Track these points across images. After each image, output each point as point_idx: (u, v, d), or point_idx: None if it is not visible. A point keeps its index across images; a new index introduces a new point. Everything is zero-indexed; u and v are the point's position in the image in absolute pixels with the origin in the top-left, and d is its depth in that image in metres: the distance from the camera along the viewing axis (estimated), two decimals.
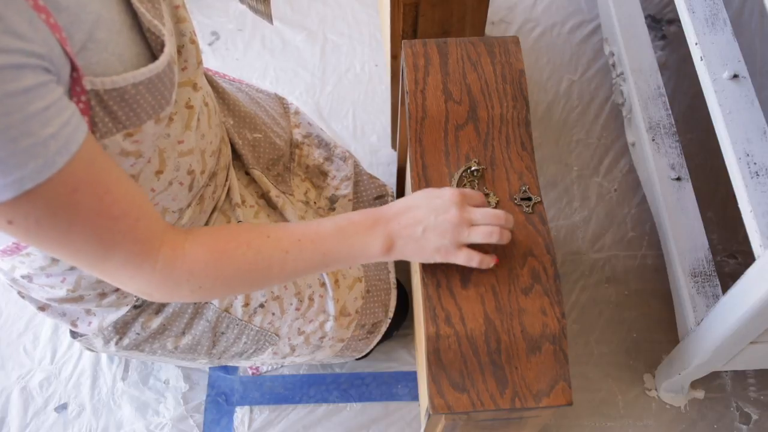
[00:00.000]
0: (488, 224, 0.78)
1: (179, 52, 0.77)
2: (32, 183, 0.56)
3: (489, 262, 0.80)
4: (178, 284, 0.71)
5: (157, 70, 0.67)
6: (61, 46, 0.57)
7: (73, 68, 0.59)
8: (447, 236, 0.77)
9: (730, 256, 1.40)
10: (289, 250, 0.75)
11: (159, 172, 0.77)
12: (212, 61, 1.66)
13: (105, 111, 0.64)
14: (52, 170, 0.56)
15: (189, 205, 0.87)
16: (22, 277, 0.84)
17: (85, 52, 0.60)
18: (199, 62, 0.81)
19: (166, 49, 0.68)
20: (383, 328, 1.14)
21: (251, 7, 1.02)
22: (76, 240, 0.62)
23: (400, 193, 1.32)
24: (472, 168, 0.89)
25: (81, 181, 0.60)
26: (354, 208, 1.16)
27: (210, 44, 1.69)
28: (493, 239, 0.78)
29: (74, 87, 0.60)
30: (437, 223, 0.77)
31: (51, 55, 0.56)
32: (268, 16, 1.02)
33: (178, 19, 0.75)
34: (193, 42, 0.78)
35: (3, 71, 0.52)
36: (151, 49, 0.69)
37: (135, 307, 0.93)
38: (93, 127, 0.64)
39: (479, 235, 0.77)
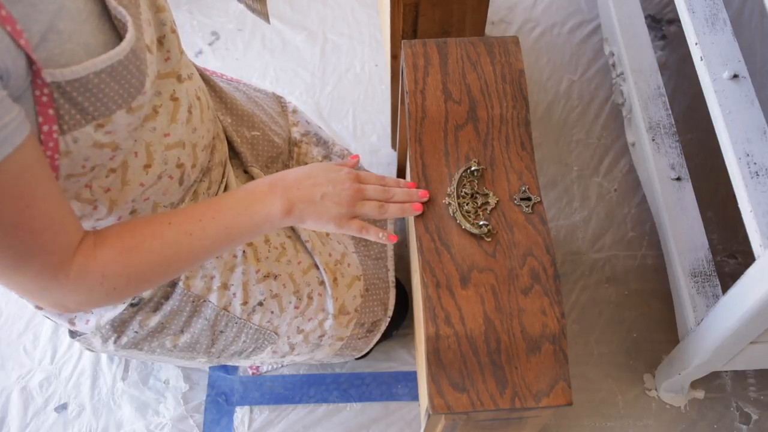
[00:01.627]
0: (378, 199, 0.84)
1: (161, 42, 0.76)
2: None
3: (383, 236, 0.84)
4: (91, 290, 0.70)
5: (118, 57, 0.65)
6: (12, 40, 0.55)
7: (31, 62, 0.58)
8: (343, 205, 0.81)
9: (730, 256, 1.40)
10: (192, 232, 0.76)
11: (147, 166, 0.76)
12: (212, 61, 1.66)
13: (70, 103, 0.63)
14: None
15: (182, 200, 0.87)
16: None
17: (46, 44, 0.59)
18: (181, 52, 0.80)
19: (128, 35, 0.66)
20: (382, 327, 1.14)
21: (248, 6, 1.02)
22: None
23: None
24: (472, 168, 0.89)
25: (3, 192, 0.58)
26: None
27: (210, 44, 1.69)
28: (381, 213, 0.83)
29: (35, 79, 0.59)
30: (335, 192, 0.81)
31: None
32: (264, 15, 1.02)
33: (158, 9, 0.74)
34: (174, 32, 0.77)
35: None
36: (121, 37, 0.67)
37: (132, 305, 0.92)
38: (59, 119, 0.63)
39: (370, 209, 0.83)
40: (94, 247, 0.70)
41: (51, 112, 0.62)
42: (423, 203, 0.86)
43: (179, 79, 0.79)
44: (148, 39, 0.71)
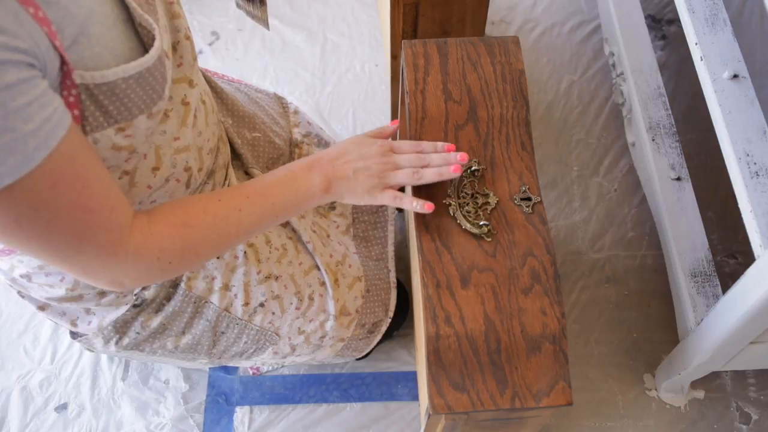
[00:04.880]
0: (413, 167, 0.85)
1: (174, 48, 0.77)
2: (11, 179, 0.56)
3: (419, 205, 0.84)
4: (149, 265, 0.72)
5: (147, 64, 0.67)
6: (49, 40, 0.57)
7: (63, 62, 0.59)
8: (374, 177, 0.84)
9: (730, 256, 1.40)
10: (242, 208, 0.79)
11: (155, 169, 0.77)
12: (212, 61, 1.66)
13: (96, 105, 0.64)
14: (30, 166, 0.57)
15: None
16: (21, 276, 0.84)
17: (77, 47, 0.60)
18: (194, 58, 0.81)
19: (156, 43, 0.68)
20: (383, 328, 1.14)
21: (248, 12, 1.02)
22: (53, 234, 0.63)
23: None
24: (472, 168, 0.89)
25: (61, 175, 0.60)
26: (354, 207, 1.16)
27: (210, 44, 1.69)
28: (416, 180, 0.85)
29: (64, 81, 0.60)
30: (366, 166, 0.84)
31: (36, 50, 0.56)
32: (264, 22, 1.02)
33: (173, 15, 0.75)
34: (188, 38, 0.78)
35: None
36: (144, 44, 0.69)
37: (134, 306, 0.92)
38: (83, 120, 0.64)
39: (404, 177, 0.85)
40: (149, 224, 0.72)
41: (76, 112, 0.63)
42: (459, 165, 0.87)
43: (191, 84, 0.80)
44: (165, 45, 0.72)
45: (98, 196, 0.65)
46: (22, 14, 0.54)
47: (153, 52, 0.68)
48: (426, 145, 0.87)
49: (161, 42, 0.69)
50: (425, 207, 0.84)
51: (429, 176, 0.85)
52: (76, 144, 0.62)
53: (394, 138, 0.94)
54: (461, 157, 0.86)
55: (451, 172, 0.85)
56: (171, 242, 0.73)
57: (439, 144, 0.88)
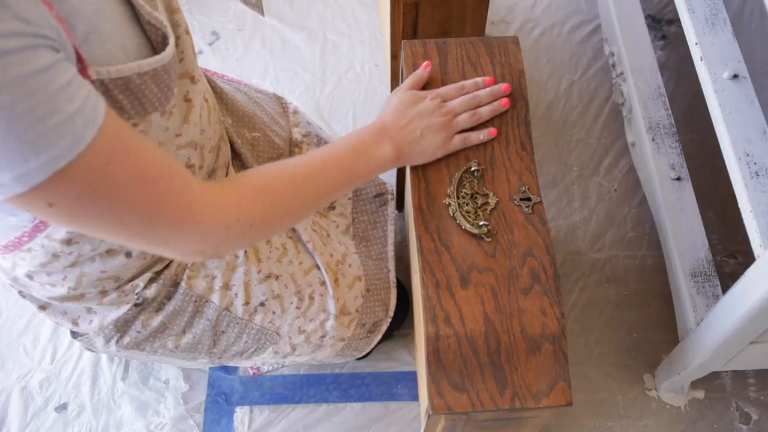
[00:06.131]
0: (468, 109, 0.90)
1: (176, 43, 0.77)
2: (65, 161, 0.55)
3: (485, 134, 0.90)
4: (228, 228, 0.71)
5: (163, 62, 0.67)
6: (66, 37, 0.57)
7: (78, 59, 0.59)
8: (441, 131, 0.88)
9: (730, 256, 1.40)
10: (318, 174, 0.82)
11: None
12: (212, 61, 1.66)
13: (111, 101, 0.64)
14: (82, 145, 0.56)
15: None
16: (23, 275, 0.84)
17: (88, 44, 0.61)
18: (194, 53, 0.81)
19: (171, 41, 0.68)
20: (384, 328, 1.14)
21: (243, 0, 1.02)
22: (119, 210, 0.62)
23: (400, 192, 1.32)
24: (472, 168, 0.89)
25: (112, 151, 0.59)
26: (353, 206, 1.16)
27: (210, 44, 1.69)
28: (476, 120, 0.90)
29: None
30: (430, 122, 0.88)
31: (60, 39, 0.56)
32: (259, 8, 1.02)
33: (172, 10, 0.75)
34: (188, 33, 0.78)
35: (20, 52, 0.51)
36: (151, 41, 0.69)
37: (136, 305, 0.93)
38: None
39: (465, 121, 0.90)
40: (222, 188, 0.72)
41: None
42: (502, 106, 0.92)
43: (193, 80, 0.80)
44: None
45: (153, 164, 0.64)
46: (42, 8, 0.54)
47: (169, 50, 0.68)
48: (468, 84, 0.92)
49: (174, 40, 0.69)
50: (490, 134, 0.91)
51: (486, 114, 0.91)
52: (116, 119, 0.61)
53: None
54: (505, 87, 0.92)
55: (503, 105, 0.91)
56: (250, 204, 0.73)
57: (479, 80, 0.93)
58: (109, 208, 0.61)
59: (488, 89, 0.92)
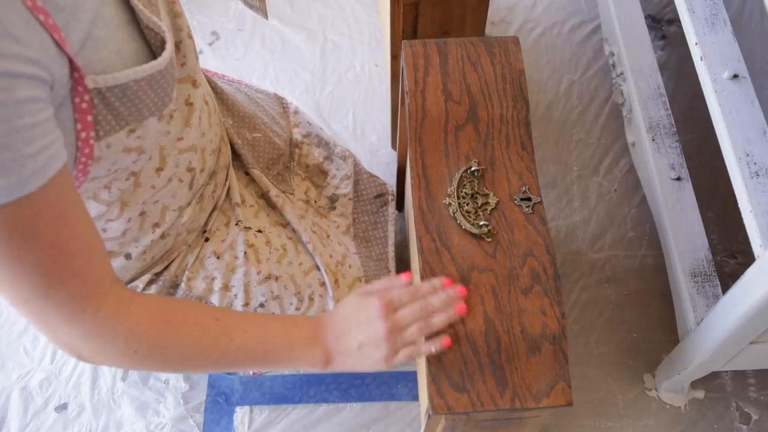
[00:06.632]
0: (418, 321, 0.78)
1: (177, 47, 0.77)
2: (0, 200, 0.53)
3: (438, 345, 0.79)
4: (112, 342, 0.67)
5: (159, 67, 0.67)
6: (59, 47, 0.56)
7: (74, 68, 0.59)
8: (382, 347, 0.78)
9: (730, 256, 1.40)
10: (234, 339, 0.74)
11: (159, 169, 0.77)
12: (212, 61, 1.66)
13: (108, 108, 0.63)
14: (23, 191, 0.54)
15: (189, 204, 0.87)
16: None
17: (84, 51, 0.60)
18: (196, 57, 0.81)
19: (168, 46, 0.68)
20: None
21: (246, 2, 1.02)
22: (22, 266, 0.59)
23: (400, 192, 1.32)
24: (472, 168, 0.89)
25: (46, 208, 0.57)
26: (354, 207, 1.16)
27: (210, 44, 1.69)
28: (428, 331, 0.78)
29: (76, 87, 0.60)
30: (369, 337, 0.78)
31: (46, 59, 0.55)
32: (263, 12, 1.02)
33: (175, 15, 0.75)
34: (190, 37, 0.78)
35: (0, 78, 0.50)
36: (149, 45, 0.68)
37: None
38: (97, 125, 0.63)
39: (412, 335, 0.78)
40: (131, 301, 0.68)
41: (90, 118, 0.62)
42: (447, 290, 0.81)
43: (194, 84, 0.79)
44: (172, 46, 0.71)
45: (78, 241, 0.61)
46: (32, 22, 0.53)
47: (165, 55, 0.67)
48: (424, 287, 0.81)
49: (172, 45, 0.69)
50: (443, 345, 0.79)
51: (438, 325, 0.79)
52: (67, 182, 0.60)
53: (393, 142, 0.90)
54: (461, 291, 0.81)
55: (458, 313, 0.80)
56: (145, 330, 0.68)
57: (436, 281, 0.81)
58: (15, 260, 0.58)
59: (443, 295, 0.80)
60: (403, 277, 0.83)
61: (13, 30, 0.51)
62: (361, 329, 0.78)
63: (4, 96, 0.51)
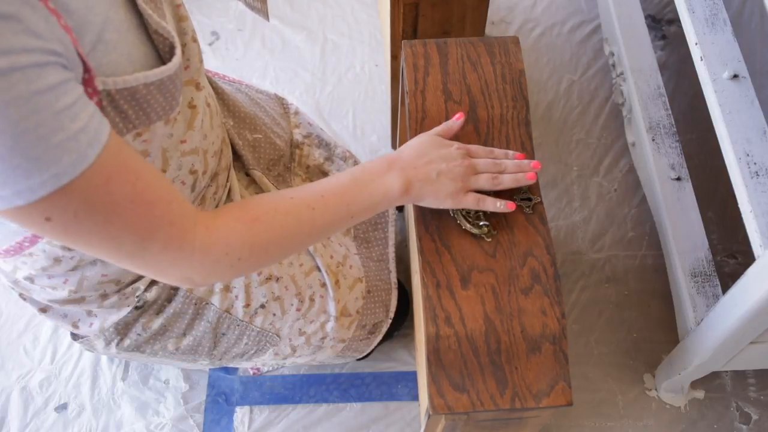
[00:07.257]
0: (491, 172, 0.85)
1: (182, 51, 0.77)
2: (68, 178, 0.56)
3: (501, 205, 0.84)
4: (217, 261, 0.71)
5: (169, 72, 0.67)
6: (74, 47, 0.57)
7: (85, 69, 0.59)
8: (458, 181, 0.82)
9: (730, 256, 1.40)
10: (315, 207, 0.78)
11: (162, 172, 0.77)
12: (212, 61, 1.66)
13: (116, 111, 0.64)
14: (85, 163, 0.57)
15: None
16: (24, 278, 0.84)
17: (95, 54, 0.61)
18: (200, 61, 0.81)
19: (177, 51, 0.69)
20: (384, 329, 1.14)
21: (248, 4, 1.02)
22: (115, 230, 0.62)
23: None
24: None
25: (113, 170, 0.60)
26: None
27: (210, 44, 1.69)
28: (496, 185, 0.84)
29: (86, 89, 0.60)
30: (449, 168, 0.82)
31: (67, 53, 0.56)
32: (264, 13, 1.02)
33: (180, 18, 0.76)
34: (195, 41, 0.78)
35: (28, 70, 0.52)
36: (158, 50, 0.69)
37: (136, 308, 0.92)
38: None
39: (485, 182, 0.84)
40: (215, 218, 0.72)
41: None
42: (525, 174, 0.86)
43: (198, 87, 0.80)
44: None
45: (153, 188, 0.64)
46: (52, 19, 0.54)
47: (175, 60, 0.68)
48: (498, 151, 0.88)
49: (180, 50, 0.69)
50: (507, 206, 0.85)
51: (507, 182, 0.85)
52: (119, 140, 0.62)
53: (393, 142, 0.92)
54: (534, 164, 0.87)
55: (527, 179, 0.85)
56: (238, 238, 0.72)
57: (510, 152, 0.88)
58: (105, 227, 0.61)
59: (515, 162, 0.87)
60: (458, 119, 0.89)
61: (35, 27, 0.53)
62: (441, 159, 0.83)
63: (39, 84, 0.53)
